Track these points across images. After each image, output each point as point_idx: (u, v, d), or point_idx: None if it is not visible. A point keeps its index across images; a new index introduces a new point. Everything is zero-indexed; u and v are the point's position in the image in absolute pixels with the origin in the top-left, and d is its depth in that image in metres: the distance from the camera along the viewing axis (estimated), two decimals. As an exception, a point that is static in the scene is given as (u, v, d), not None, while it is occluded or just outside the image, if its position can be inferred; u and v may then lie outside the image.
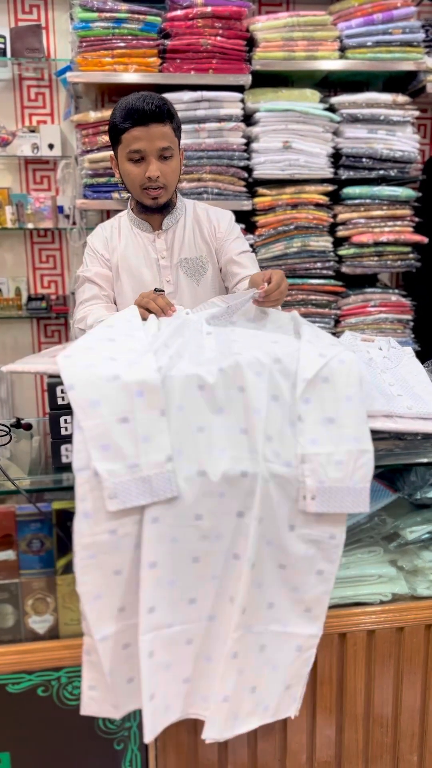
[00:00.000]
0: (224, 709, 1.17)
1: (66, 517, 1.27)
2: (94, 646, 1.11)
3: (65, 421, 1.28)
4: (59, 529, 1.26)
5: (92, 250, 1.81)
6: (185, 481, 1.11)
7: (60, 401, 1.28)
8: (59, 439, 1.29)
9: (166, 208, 1.74)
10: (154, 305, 1.42)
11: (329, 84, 2.86)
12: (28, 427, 1.57)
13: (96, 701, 1.15)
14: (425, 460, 1.34)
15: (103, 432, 1.06)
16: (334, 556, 1.18)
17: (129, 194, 1.78)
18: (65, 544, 1.27)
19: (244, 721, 1.19)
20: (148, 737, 1.13)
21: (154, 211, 1.73)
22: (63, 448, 1.30)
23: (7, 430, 1.49)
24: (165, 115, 1.61)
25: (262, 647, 1.19)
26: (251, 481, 1.13)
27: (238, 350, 1.21)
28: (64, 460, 1.29)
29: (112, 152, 1.72)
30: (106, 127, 1.95)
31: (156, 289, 1.52)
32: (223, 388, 1.15)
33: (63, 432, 1.29)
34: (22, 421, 1.58)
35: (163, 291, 1.56)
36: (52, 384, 1.27)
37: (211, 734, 1.16)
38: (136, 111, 1.59)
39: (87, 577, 1.09)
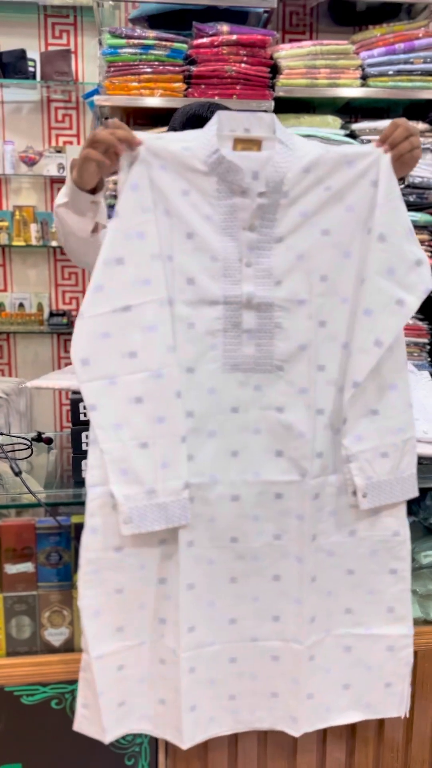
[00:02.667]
0: (309, 705, 1.19)
1: (85, 531, 1.29)
2: (89, 663, 1.12)
3: (86, 436, 1.30)
4: (77, 542, 1.28)
5: None
6: (219, 504, 1.12)
7: (82, 417, 1.30)
8: (80, 453, 1.32)
9: None
10: (119, 137, 1.05)
11: (351, 110, 2.90)
12: (49, 441, 1.60)
13: (87, 720, 1.16)
14: (441, 485, 1.34)
15: (122, 456, 1.07)
16: (403, 552, 1.19)
17: None
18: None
19: (342, 714, 1.22)
20: (186, 744, 1.15)
21: None
22: (83, 462, 1.32)
23: (28, 443, 1.52)
24: None
25: (348, 648, 1.20)
26: (291, 503, 1.14)
27: (278, 350, 1.10)
28: (84, 474, 1.31)
29: None
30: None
31: (105, 118, 1.13)
32: (259, 409, 1.13)
33: (84, 447, 1.31)
34: (43, 435, 1.61)
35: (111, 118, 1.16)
36: (75, 400, 1.30)
37: (303, 728, 1.19)
38: (198, 118, 1.48)
39: (88, 592, 1.10)
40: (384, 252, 1.09)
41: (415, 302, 1.11)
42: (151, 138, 1.08)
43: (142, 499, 1.07)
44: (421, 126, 2.69)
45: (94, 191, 1.19)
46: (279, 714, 1.21)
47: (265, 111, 2.61)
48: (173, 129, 1.56)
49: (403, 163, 1.10)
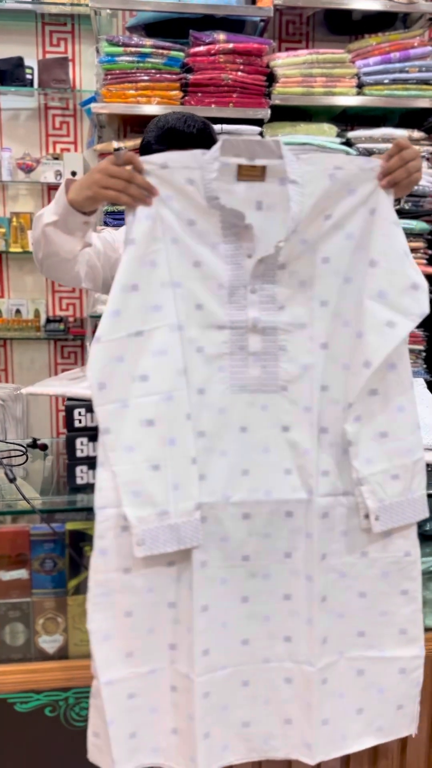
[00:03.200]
0: (325, 732, 1.16)
1: (79, 538, 1.29)
2: (99, 689, 1.10)
3: (81, 443, 1.30)
4: (72, 549, 1.28)
5: (112, 235, 1.54)
6: (231, 523, 1.12)
7: (77, 423, 1.30)
8: (75, 460, 1.32)
9: None
10: (135, 192, 1.05)
11: (347, 118, 2.92)
12: (44, 447, 1.60)
13: (98, 749, 1.14)
14: (435, 492, 1.34)
15: (135, 479, 1.07)
16: (414, 572, 1.18)
17: None
18: (77, 565, 1.29)
19: (356, 741, 1.20)
20: None
21: None
22: (78, 469, 1.32)
23: (23, 450, 1.52)
24: (206, 139, 1.46)
25: (360, 672, 1.19)
26: (300, 521, 1.14)
27: (282, 371, 1.13)
28: (79, 481, 1.32)
29: None
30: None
31: (116, 150, 1.08)
32: (267, 428, 1.14)
33: (79, 453, 1.32)
34: (38, 442, 1.61)
35: (123, 149, 1.09)
36: (71, 407, 1.30)
37: (319, 756, 1.16)
38: (176, 133, 1.44)
39: (98, 615, 1.09)
40: (374, 276, 1.11)
41: (408, 324, 1.13)
42: (156, 165, 1.08)
43: (155, 520, 1.07)
44: (416, 134, 2.71)
45: (88, 212, 1.20)
46: (293, 742, 1.18)
47: (261, 119, 2.63)
48: (148, 142, 1.49)
49: (401, 187, 1.12)
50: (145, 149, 1.51)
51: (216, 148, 1.08)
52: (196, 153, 1.08)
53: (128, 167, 1.06)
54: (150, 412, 1.08)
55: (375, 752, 1.37)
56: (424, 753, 1.39)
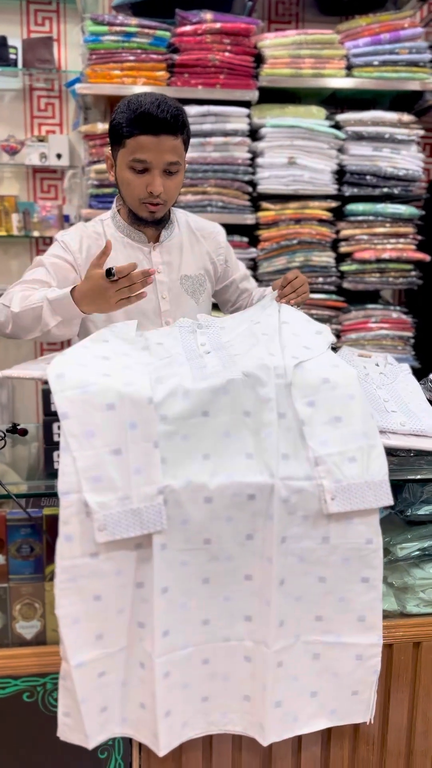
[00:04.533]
0: (278, 714, 1.18)
1: (56, 523, 1.27)
2: (69, 672, 1.11)
3: (58, 427, 1.28)
4: (49, 535, 1.26)
5: (64, 246, 1.59)
6: (193, 507, 1.12)
7: (53, 407, 1.28)
8: (52, 445, 1.30)
9: (162, 220, 1.62)
10: (138, 287, 1.32)
11: (336, 101, 2.88)
12: (24, 432, 1.57)
13: (70, 728, 1.15)
14: (417, 477, 1.33)
15: (95, 463, 1.08)
16: (375, 561, 1.18)
17: (119, 198, 1.62)
18: (55, 550, 1.27)
19: (307, 723, 1.22)
20: (162, 751, 1.15)
21: (149, 223, 1.59)
22: (55, 454, 1.30)
23: (2, 435, 1.50)
24: (179, 127, 1.45)
25: (316, 656, 1.20)
26: (262, 504, 1.14)
27: (240, 367, 1.21)
28: (56, 466, 1.29)
29: (108, 151, 1.56)
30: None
31: (108, 274, 1.29)
32: (229, 414, 1.16)
33: (56, 438, 1.29)
34: (18, 426, 1.58)
35: (112, 269, 1.30)
36: (47, 390, 1.28)
37: (270, 737, 1.19)
38: (149, 118, 1.41)
39: (66, 600, 1.09)
40: (288, 327, 1.37)
41: (321, 349, 1.32)
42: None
43: (116, 505, 1.07)
44: (406, 118, 2.68)
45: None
46: (250, 719, 1.20)
47: (249, 101, 2.59)
48: (119, 124, 1.46)
49: (297, 302, 1.50)
50: (115, 130, 1.49)
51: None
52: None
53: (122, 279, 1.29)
54: (110, 396, 1.09)
55: (356, 737, 1.37)
56: (405, 739, 1.38)
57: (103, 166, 2.54)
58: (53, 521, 1.26)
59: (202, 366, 1.24)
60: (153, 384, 1.14)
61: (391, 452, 1.37)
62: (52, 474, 1.30)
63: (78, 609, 1.10)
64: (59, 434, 1.26)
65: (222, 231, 1.79)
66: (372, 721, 1.25)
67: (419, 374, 1.69)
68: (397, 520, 1.48)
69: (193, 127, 2.51)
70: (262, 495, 1.14)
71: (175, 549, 1.12)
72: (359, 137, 2.65)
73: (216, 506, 1.13)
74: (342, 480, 1.15)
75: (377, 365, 1.65)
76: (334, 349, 1.41)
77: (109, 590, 1.11)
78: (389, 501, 1.17)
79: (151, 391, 1.12)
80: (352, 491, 1.16)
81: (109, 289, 1.31)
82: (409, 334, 2.83)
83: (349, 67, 2.63)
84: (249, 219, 2.64)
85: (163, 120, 1.42)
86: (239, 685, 1.20)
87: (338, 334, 2.78)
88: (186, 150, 1.54)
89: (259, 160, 2.59)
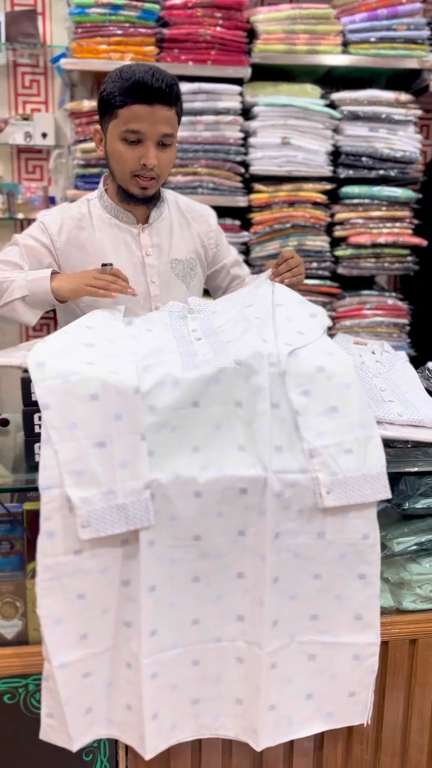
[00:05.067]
0: (271, 717, 1.15)
1: (37, 519, 1.22)
2: (51, 672, 1.07)
3: (39, 418, 1.22)
4: (30, 531, 1.21)
5: (43, 228, 1.54)
6: (182, 502, 1.08)
7: (34, 397, 1.22)
8: (33, 436, 1.24)
9: (152, 199, 1.56)
10: (115, 287, 1.34)
11: (331, 81, 2.80)
12: (5, 422, 1.51)
13: (53, 729, 1.12)
14: (415, 470, 1.29)
15: (78, 456, 1.04)
16: (372, 556, 1.15)
17: (107, 176, 1.58)
18: (36, 547, 1.22)
19: (303, 726, 1.19)
20: (149, 754, 1.12)
21: (139, 200, 1.54)
22: (36, 446, 1.24)
23: (-19, 425, 1.44)
24: (174, 97, 1.42)
25: (311, 657, 1.17)
26: (254, 498, 1.11)
27: (232, 355, 1.17)
28: (37, 458, 1.24)
29: (96, 125, 1.52)
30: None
31: (103, 265, 1.38)
32: (220, 404, 1.12)
33: (37, 429, 1.23)
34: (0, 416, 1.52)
35: (111, 264, 1.39)
36: (26, 379, 1.22)
37: (264, 743, 1.15)
38: (144, 87, 1.37)
39: (48, 600, 1.05)
40: (282, 310, 1.31)
41: (315, 335, 1.27)
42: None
43: (100, 501, 1.04)
44: (404, 97, 2.62)
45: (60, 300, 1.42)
46: (243, 723, 1.17)
47: (241, 78, 2.52)
48: (110, 93, 1.41)
49: (290, 285, 1.42)
50: (106, 101, 1.44)
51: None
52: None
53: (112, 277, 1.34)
54: (93, 386, 1.05)
55: (350, 736, 1.33)
56: (400, 737, 1.35)
57: (90, 145, 2.46)
58: (34, 516, 1.21)
59: (192, 353, 1.19)
60: (140, 373, 1.10)
61: (387, 443, 1.34)
62: (33, 467, 1.25)
63: (61, 608, 1.06)
64: (41, 425, 1.21)
65: (213, 213, 1.73)
66: (369, 722, 1.22)
67: (415, 362, 1.65)
68: (393, 514, 1.44)
69: (184, 105, 2.45)
70: (255, 489, 1.10)
71: (163, 546, 1.09)
72: (355, 117, 2.58)
73: (206, 501, 1.09)
74: (338, 473, 1.12)
75: (373, 353, 1.60)
76: (329, 336, 1.35)
77: (94, 589, 1.07)
78: (387, 494, 1.14)
79: (137, 380, 1.08)
80: (349, 484, 1.12)
81: (93, 272, 1.37)
82: (405, 321, 2.78)
83: (345, 44, 2.55)
84: (241, 201, 2.58)
85: (159, 89, 1.38)
86: (231, 688, 1.16)
87: (332, 321, 2.73)
88: (179, 124, 1.50)
89: (252, 140, 2.53)
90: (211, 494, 1.09)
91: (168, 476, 1.07)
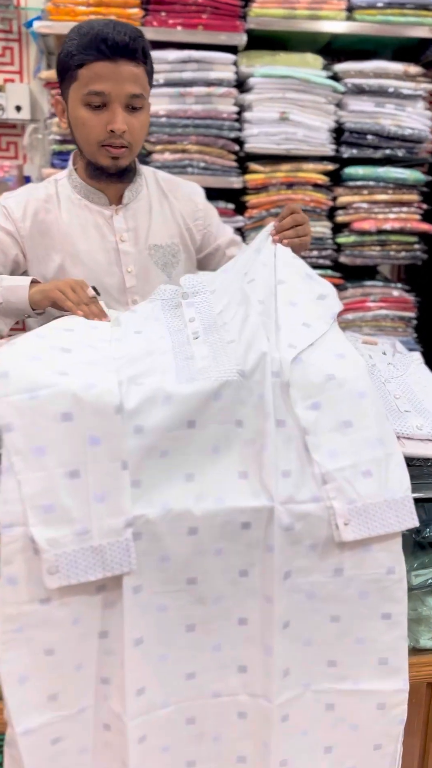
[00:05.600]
0: None
1: None
2: (14, 739, 0.93)
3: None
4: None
5: (6, 213, 1.39)
6: (174, 540, 0.96)
7: None
8: None
9: (126, 174, 1.39)
10: (85, 310, 1.17)
11: (332, 52, 2.59)
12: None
13: None
14: (438, 494, 1.12)
15: (46, 488, 0.91)
16: (398, 593, 1.04)
17: (76, 153, 1.42)
18: None
19: None
20: None
21: (112, 176, 1.37)
22: None
23: None
24: (140, 51, 1.27)
25: (330, 706, 1.07)
26: (259, 533, 0.98)
27: (233, 361, 1.02)
28: None
29: (57, 92, 1.36)
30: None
31: (93, 287, 1.22)
32: (218, 423, 0.98)
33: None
34: None
35: (99, 294, 1.23)
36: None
37: None
38: (104, 40, 1.23)
39: (10, 654, 0.92)
40: (284, 290, 1.14)
41: (323, 326, 1.11)
42: None
43: (72, 542, 0.91)
44: (413, 69, 2.41)
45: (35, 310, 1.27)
46: None
47: (236, 46, 2.31)
48: (68, 53, 1.27)
49: (295, 247, 1.22)
50: (64, 62, 1.29)
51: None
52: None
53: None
54: (65, 404, 0.92)
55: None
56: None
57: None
58: None
59: (188, 356, 1.06)
60: (125, 385, 0.94)
61: (405, 462, 1.15)
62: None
63: (26, 665, 0.94)
64: (1, 450, 1.05)
65: (199, 191, 1.55)
66: None
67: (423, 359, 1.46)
68: (410, 544, 1.26)
69: (171, 75, 2.24)
70: (259, 522, 0.98)
71: (151, 592, 0.96)
72: (360, 91, 2.38)
73: (202, 538, 0.97)
74: (356, 500, 1.00)
75: (384, 354, 1.42)
76: None
77: (65, 642, 0.95)
78: (414, 522, 1.01)
79: (119, 395, 0.92)
80: (370, 513, 0.99)
81: (74, 282, 1.22)
82: (411, 314, 2.61)
83: (350, 9, 2.34)
84: (235, 182, 2.38)
85: (121, 42, 1.25)
86: (233, 745, 1.04)
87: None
88: (150, 85, 1.33)
89: (247, 115, 2.32)
90: (208, 530, 0.97)
91: (157, 511, 0.95)
